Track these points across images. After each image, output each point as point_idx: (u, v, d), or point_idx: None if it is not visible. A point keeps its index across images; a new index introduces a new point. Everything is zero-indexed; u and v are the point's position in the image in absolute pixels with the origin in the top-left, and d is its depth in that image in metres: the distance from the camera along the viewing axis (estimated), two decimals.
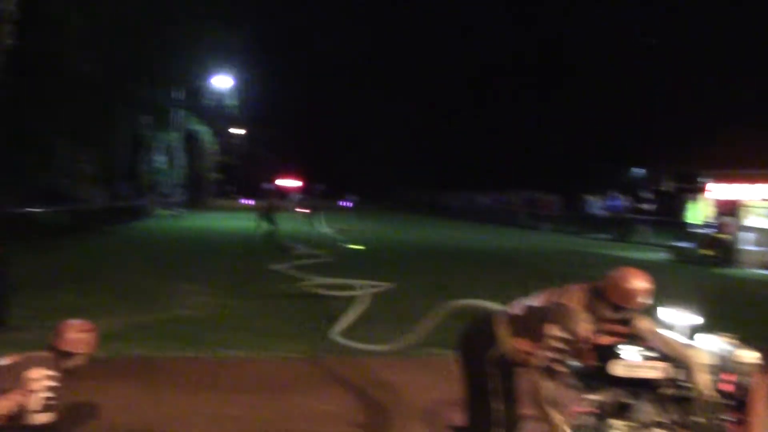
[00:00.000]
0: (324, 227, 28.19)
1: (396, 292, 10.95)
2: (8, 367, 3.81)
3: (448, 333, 8.06)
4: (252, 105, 55.14)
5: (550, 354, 3.49)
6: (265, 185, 62.25)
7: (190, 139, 44.53)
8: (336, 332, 8.01)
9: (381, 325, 8.61)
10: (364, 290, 10.01)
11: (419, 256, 18.52)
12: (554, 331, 3.46)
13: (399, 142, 65.28)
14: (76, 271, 13.02)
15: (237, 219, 31.35)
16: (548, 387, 3.49)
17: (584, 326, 3.53)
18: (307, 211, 31.82)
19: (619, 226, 27.84)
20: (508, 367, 3.79)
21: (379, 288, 10.55)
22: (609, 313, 3.57)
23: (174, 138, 39.70)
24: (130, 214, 29.75)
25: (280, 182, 67.00)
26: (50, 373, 3.80)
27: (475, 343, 3.89)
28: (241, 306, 9.87)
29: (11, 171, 20.45)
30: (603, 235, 27.67)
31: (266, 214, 20.67)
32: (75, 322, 4.11)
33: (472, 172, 54.82)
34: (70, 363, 3.97)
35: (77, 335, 4.03)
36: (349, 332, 8.03)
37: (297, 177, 71.01)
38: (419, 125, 63.57)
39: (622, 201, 29.85)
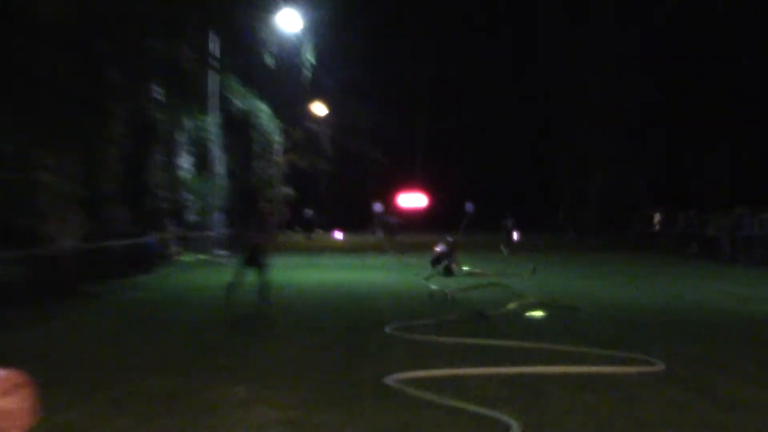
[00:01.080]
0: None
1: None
2: None
3: None
4: (342, 67, 55.63)
5: None
6: (377, 206, 63.09)
7: (237, 125, 44.98)
8: None
9: None
10: None
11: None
12: None
13: (611, 133, 64.98)
14: (37, 368, 12.74)
15: (324, 268, 31.38)
16: None
17: None
18: (440, 249, 31.49)
19: None
20: None
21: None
22: None
23: (208, 124, 40.23)
24: (132, 262, 30.58)
25: (403, 200, 68.01)
26: None
27: None
28: (332, 421, 9.75)
29: None
30: None
31: (249, 252, 20.64)
32: None
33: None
34: None
35: None
36: None
37: (422, 190, 72.05)
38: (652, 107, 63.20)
39: None
